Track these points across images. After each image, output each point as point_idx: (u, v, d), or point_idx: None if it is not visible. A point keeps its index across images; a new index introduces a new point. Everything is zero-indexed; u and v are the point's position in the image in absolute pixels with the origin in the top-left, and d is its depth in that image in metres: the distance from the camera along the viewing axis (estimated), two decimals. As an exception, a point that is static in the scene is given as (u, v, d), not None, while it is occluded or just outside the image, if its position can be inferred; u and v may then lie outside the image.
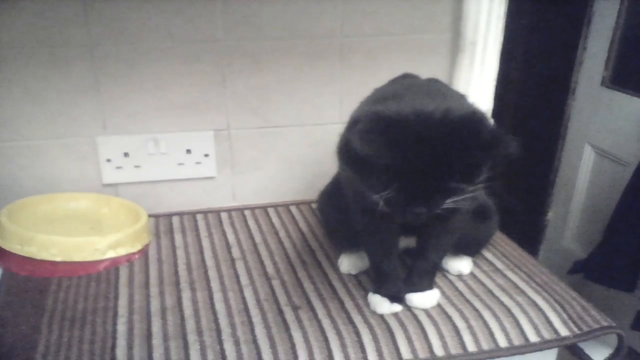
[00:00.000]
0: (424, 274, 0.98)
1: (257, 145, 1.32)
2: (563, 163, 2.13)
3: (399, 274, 0.98)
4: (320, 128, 1.32)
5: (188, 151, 1.28)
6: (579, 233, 2.06)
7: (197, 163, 1.29)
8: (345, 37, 1.25)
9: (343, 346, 0.87)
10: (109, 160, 1.24)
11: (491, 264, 1.11)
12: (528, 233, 2.32)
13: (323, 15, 1.23)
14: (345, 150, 0.80)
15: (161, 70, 1.20)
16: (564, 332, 0.92)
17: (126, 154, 1.25)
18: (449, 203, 0.76)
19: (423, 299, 0.96)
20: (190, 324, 0.92)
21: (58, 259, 1.05)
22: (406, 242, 1.04)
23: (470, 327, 0.92)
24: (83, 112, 1.20)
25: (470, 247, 1.07)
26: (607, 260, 1.67)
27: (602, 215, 1.76)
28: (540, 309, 0.96)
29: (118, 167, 1.25)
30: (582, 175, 2.02)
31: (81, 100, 1.19)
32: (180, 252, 1.14)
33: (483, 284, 1.04)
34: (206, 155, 1.29)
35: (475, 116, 0.77)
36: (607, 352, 0.96)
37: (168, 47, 1.18)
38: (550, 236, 2.24)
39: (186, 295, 1.00)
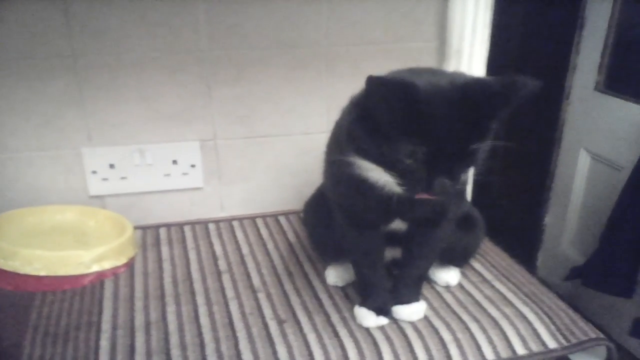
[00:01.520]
0: (410, 285, 0.97)
1: (245, 155, 1.31)
2: (559, 168, 2.12)
3: (385, 286, 0.97)
4: (307, 137, 1.31)
5: (174, 162, 1.27)
6: (576, 238, 2.05)
7: (184, 174, 1.28)
8: (330, 47, 1.24)
9: (328, 361, 0.86)
10: (94, 172, 1.23)
11: (479, 274, 1.09)
12: (525, 238, 2.31)
13: (308, 25, 1.22)
14: (364, 119, 0.75)
15: (146, 80, 1.19)
16: (551, 344, 0.90)
17: (112, 166, 1.24)
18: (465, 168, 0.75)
19: (409, 312, 0.95)
20: (174, 339, 0.91)
21: (42, 273, 1.04)
22: (392, 253, 1.03)
23: (456, 340, 0.90)
24: (67, 124, 1.19)
25: (457, 258, 1.06)
26: (604, 266, 1.65)
27: (599, 220, 1.75)
28: (528, 321, 0.94)
29: (104, 179, 1.24)
30: (578, 180, 2.01)
31: (65, 112, 1.18)
32: (166, 265, 1.13)
33: (471, 295, 1.02)
34: (193, 166, 1.28)
35: (486, 77, 0.80)
36: (597, 363, 0.95)
37: (152, 57, 1.18)
38: (548, 242, 2.22)
39: (171, 309, 0.99)
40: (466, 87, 0.71)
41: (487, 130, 0.72)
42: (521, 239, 2.38)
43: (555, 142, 2.09)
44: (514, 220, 2.42)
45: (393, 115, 0.70)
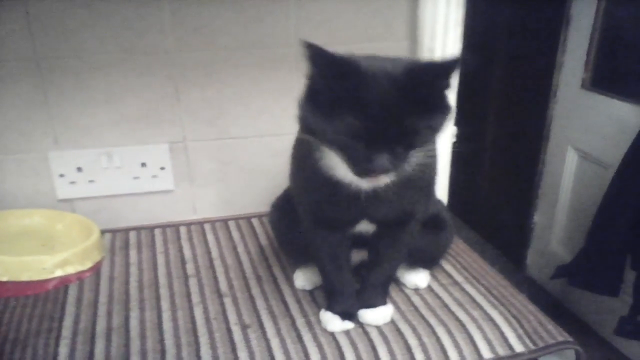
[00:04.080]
0: (377, 288, 0.95)
1: (216, 157, 1.29)
2: (547, 166, 2.10)
3: (352, 289, 0.95)
4: (279, 138, 1.29)
5: (143, 164, 1.25)
6: (565, 236, 2.03)
7: (153, 176, 1.26)
8: (300, 47, 1.22)
9: (289, 367, 0.84)
10: (62, 176, 1.22)
11: (450, 276, 1.07)
12: (515, 237, 2.29)
13: (276, 25, 1.20)
14: (310, 97, 0.76)
15: (112, 82, 1.17)
16: (518, 347, 0.88)
17: (79, 169, 1.22)
18: (415, 155, 0.74)
19: (376, 316, 0.93)
20: (135, 346, 0.89)
21: (4, 278, 1.02)
22: (360, 255, 1.01)
23: (422, 345, 0.88)
24: (33, 127, 1.17)
25: (426, 260, 1.04)
26: (590, 265, 1.64)
27: (587, 218, 1.72)
28: (495, 324, 0.92)
29: (72, 182, 1.23)
30: (566, 178, 1.99)
31: (31, 115, 1.16)
32: (133, 269, 1.11)
33: (439, 298, 1.00)
34: (162, 169, 1.26)
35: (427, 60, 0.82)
36: (568, 367, 0.92)
37: (118, 59, 1.16)
38: (537, 240, 2.20)
39: (134, 315, 0.97)
40: (406, 67, 0.71)
41: (425, 109, 0.71)
42: (510, 238, 2.36)
43: (543, 140, 2.07)
44: (503, 219, 2.40)
45: (330, 86, 0.70)
